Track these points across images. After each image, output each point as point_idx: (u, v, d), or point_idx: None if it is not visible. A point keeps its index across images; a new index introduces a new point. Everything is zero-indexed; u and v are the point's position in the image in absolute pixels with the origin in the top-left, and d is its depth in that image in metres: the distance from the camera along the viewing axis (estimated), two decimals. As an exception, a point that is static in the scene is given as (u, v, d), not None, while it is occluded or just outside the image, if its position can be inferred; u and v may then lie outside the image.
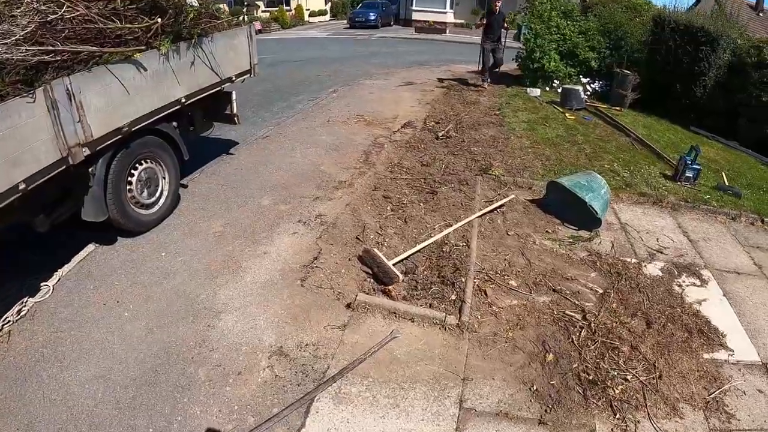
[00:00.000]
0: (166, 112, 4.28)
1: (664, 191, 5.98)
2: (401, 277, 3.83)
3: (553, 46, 9.69)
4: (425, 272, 4.11)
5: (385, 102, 8.25)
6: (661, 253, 4.87)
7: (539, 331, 3.56)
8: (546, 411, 2.87)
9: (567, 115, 8.34)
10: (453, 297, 3.70)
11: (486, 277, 4.01)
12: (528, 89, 9.75)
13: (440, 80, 10.03)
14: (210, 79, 4.81)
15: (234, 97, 5.33)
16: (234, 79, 5.21)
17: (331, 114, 7.55)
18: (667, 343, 3.60)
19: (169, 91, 4.27)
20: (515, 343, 3.42)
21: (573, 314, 3.76)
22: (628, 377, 3.22)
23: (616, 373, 3.23)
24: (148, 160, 4.27)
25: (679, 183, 6.23)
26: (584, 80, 9.80)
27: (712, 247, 5.21)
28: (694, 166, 6.18)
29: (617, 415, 2.91)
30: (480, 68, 10.10)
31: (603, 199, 4.96)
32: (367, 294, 3.65)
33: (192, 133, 5.10)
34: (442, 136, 6.70)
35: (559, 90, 9.27)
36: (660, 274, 4.51)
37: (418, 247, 4.24)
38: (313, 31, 24.97)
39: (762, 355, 3.78)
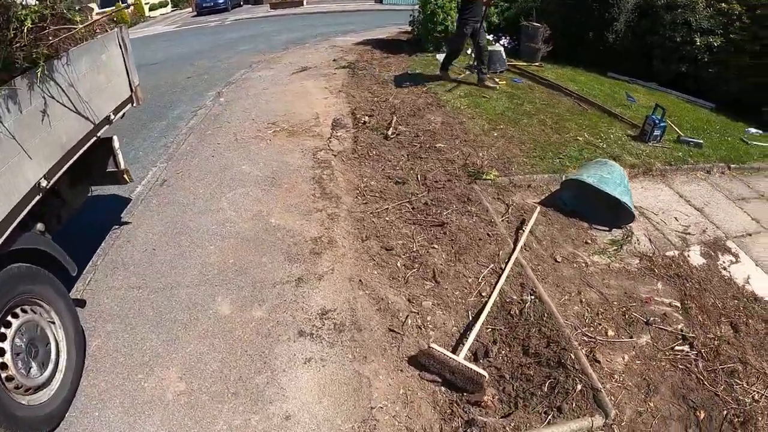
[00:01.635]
0: (22, 215, 2.61)
1: (646, 158, 6.20)
2: (486, 375, 3.06)
3: (453, 5, 9.35)
4: (503, 352, 3.40)
5: (290, 98, 6.89)
6: (688, 234, 5.02)
7: (669, 384, 3.34)
8: None
9: (496, 80, 8.13)
10: (579, 387, 3.06)
11: (584, 338, 3.48)
12: (438, 55, 9.28)
13: (335, 60, 8.96)
14: (79, 129, 3.11)
15: (116, 144, 3.64)
16: (112, 117, 3.53)
17: (233, 128, 5.96)
18: (759, 344, 3.85)
19: (16, 176, 2.55)
20: (661, 413, 3.12)
21: (681, 348, 3.61)
22: (756, 397, 3.31)
23: (749, 400, 3.26)
24: (20, 310, 2.58)
25: (650, 144, 6.53)
26: (489, 37, 9.71)
27: (716, 211, 5.59)
28: (661, 124, 6.52)
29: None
30: (476, 63, 8.15)
31: (628, 189, 4.81)
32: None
33: (62, 215, 3.36)
34: (392, 134, 5.82)
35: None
36: (704, 261, 4.67)
37: (481, 319, 3.46)
38: (158, 26, 23.19)
39: None
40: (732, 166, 6.59)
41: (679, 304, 4.03)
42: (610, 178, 4.75)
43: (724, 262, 4.76)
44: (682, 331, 3.75)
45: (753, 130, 7.68)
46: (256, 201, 4.58)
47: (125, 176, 3.74)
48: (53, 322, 2.77)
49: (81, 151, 3.16)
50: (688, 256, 4.69)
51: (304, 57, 9.33)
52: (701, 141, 6.76)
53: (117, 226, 4.29)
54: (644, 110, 7.75)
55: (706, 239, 5.01)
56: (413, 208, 4.65)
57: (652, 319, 3.79)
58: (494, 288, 3.75)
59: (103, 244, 4.07)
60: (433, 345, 3.16)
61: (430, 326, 3.49)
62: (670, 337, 3.67)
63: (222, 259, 3.87)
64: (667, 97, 8.63)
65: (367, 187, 4.88)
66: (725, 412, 3.14)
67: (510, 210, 4.76)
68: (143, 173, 5.21)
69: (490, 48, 8.53)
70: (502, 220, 4.58)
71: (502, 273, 3.89)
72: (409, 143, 5.77)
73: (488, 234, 4.33)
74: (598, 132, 6.70)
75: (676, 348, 3.60)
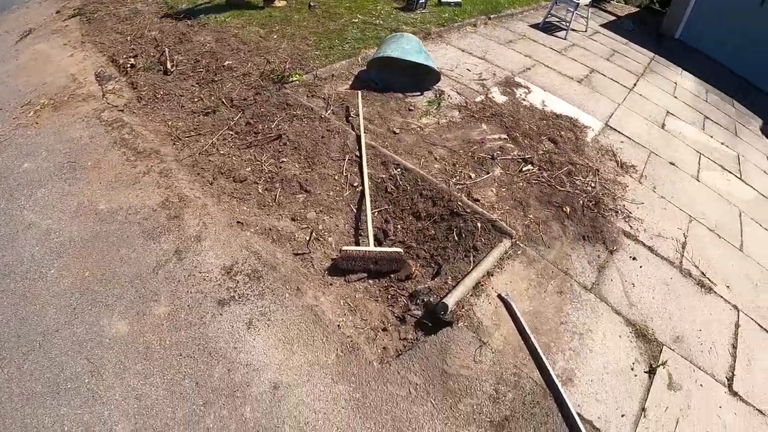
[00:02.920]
0: None
1: (420, 25, 6.99)
2: (401, 251, 3.44)
3: None
4: (399, 227, 3.82)
5: (31, 69, 5.37)
6: (484, 80, 6.01)
7: (534, 197, 4.26)
8: (605, 243, 3.99)
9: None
10: (479, 225, 3.66)
11: (458, 186, 4.09)
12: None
13: (58, 12, 7.32)
14: None
15: None
16: None
17: None
18: (575, 147, 5.08)
19: None
20: (540, 219, 4.02)
21: (528, 168, 4.55)
22: (593, 185, 4.57)
23: (590, 188, 4.49)
24: None
25: (418, 12, 7.34)
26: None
27: (496, 56, 6.76)
28: (424, -7, 7.35)
29: (619, 212, 4.39)
30: None
31: (428, 54, 5.44)
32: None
33: None
34: (172, 68, 5.32)
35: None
36: (506, 98, 5.75)
37: (368, 207, 3.75)
38: None
39: (599, 118, 5.80)
40: (492, 16, 7.90)
41: (506, 136, 4.94)
42: (410, 47, 5.27)
43: (521, 94, 5.88)
44: (519, 155, 4.67)
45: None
46: (67, 195, 3.80)
47: None
48: None
49: None
50: (493, 97, 5.65)
51: (20, 20, 7.39)
52: (460, 0, 7.86)
53: None
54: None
55: (499, 80, 6.08)
56: (238, 133, 4.49)
57: (495, 153, 4.61)
58: (362, 175, 4.03)
59: None
60: (345, 247, 3.35)
61: (326, 234, 3.64)
62: (514, 163, 4.55)
63: (75, 276, 3.21)
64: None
65: (179, 130, 4.47)
66: (581, 201, 4.22)
67: (330, 102, 4.96)
68: None
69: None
70: (329, 113, 4.78)
71: (361, 160, 4.17)
72: (194, 71, 5.36)
73: (327, 129, 4.48)
74: (368, 11, 7.18)
75: (524, 169, 4.50)
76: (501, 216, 3.85)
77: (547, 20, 8.31)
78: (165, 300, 3.08)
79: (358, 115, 4.73)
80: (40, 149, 4.25)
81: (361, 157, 4.21)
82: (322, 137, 4.44)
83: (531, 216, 3.96)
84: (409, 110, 5.12)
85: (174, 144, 4.37)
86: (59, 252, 3.39)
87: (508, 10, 8.36)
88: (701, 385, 3.16)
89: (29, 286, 3.17)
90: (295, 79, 5.18)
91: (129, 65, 5.42)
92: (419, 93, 5.44)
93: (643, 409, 2.88)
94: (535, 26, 8.31)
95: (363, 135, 4.41)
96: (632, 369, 3.10)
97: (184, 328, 2.92)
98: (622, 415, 2.82)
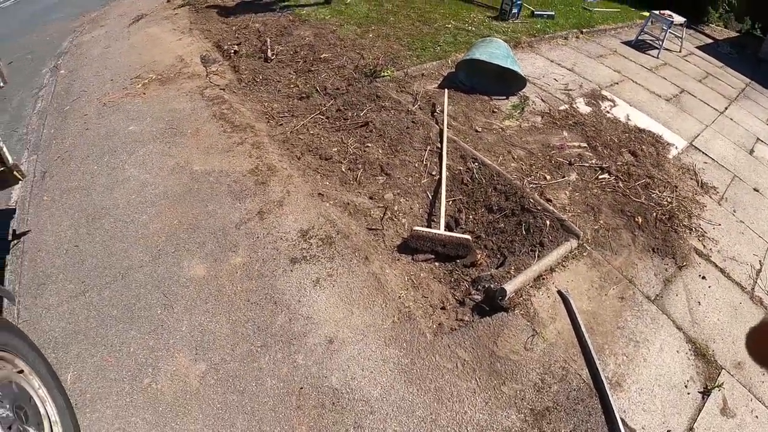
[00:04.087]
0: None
1: (512, 34, 6.97)
2: (470, 237, 3.48)
3: None
4: (470, 217, 3.85)
5: (141, 49, 6.11)
6: (570, 90, 5.90)
7: (607, 204, 4.14)
8: (675, 258, 3.80)
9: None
10: (548, 222, 3.63)
11: (531, 185, 4.06)
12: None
13: (168, 1, 8.17)
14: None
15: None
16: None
17: (94, 95, 5.19)
18: (656, 162, 4.80)
19: None
20: (611, 226, 3.90)
21: (603, 176, 4.40)
22: (669, 200, 4.30)
23: (666, 203, 4.28)
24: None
25: (511, 21, 7.33)
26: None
27: (584, 69, 6.61)
28: (518, 3, 7.36)
29: (694, 230, 4.17)
30: None
31: (515, 60, 5.44)
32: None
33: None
34: (272, 56, 5.71)
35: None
36: (590, 109, 5.58)
37: (443, 194, 3.83)
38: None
39: (684, 137, 5.46)
40: (584, 30, 7.75)
41: (586, 145, 4.84)
42: (498, 52, 5.31)
43: (605, 107, 5.73)
44: (597, 164, 4.56)
45: (589, -2, 9.04)
46: (166, 156, 4.22)
47: (16, 173, 3.11)
48: (22, 370, 2.16)
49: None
50: (577, 107, 5.54)
51: (132, 6, 8.28)
52: (553, 13, 7.79)
53: (15, 241, 3.49)
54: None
55: (585, 92, 5.95)
56: (328, 118, 4.75)
57: (572, 159, 4.53)
58: (441, 165, 4.11)
59: (9, 267, 3.25)
60: (416, 228, 3.45)
61: (400, 215, 3.76)
62: (591, 170, 4.44)
63: (163, 223, 3.56)
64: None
65: (274, 110, 4.82)
66: (654, 214, 4.05)
67: (418, 98, 5.10)
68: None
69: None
70: (416, 108, 4.92)
71: (441, 151, 4.26)
72: (292, 60, 5.73)
73: (412, 121, 4.64)
74: (462, 18, 7.28)
75: (600, 177, 4.39)
76: (571, 218, 3.79)
77: (640, 38, 8.03)
78: (242, 252, 3.34)
79: (443, 112, 4.84)
80: (145, 115, 4.71)
81: (441, 148, 4.31)
82: (407, 128, 4.58)
83: (601, 221, 3.87)
84: (493, 112, 5.15)
85: (268, 122, 4.68)
86: (153, 201, 3.76)
87: (601, 26, 8.18)
88: (757, 416, 2.93)
89: (121, 227, 3.54)
90: (386, 74, 5.38)
91: (233, 51, 5.87)
92: (504, 97, 5.46)
93: (691, 429, 2.73)
94: (627, 43, 8.05)
95: (446, 129, 4.51)
96: (686, 386, 2.95)
97: (255, 278, 3.16)
98: (668, 430, 2.69)
